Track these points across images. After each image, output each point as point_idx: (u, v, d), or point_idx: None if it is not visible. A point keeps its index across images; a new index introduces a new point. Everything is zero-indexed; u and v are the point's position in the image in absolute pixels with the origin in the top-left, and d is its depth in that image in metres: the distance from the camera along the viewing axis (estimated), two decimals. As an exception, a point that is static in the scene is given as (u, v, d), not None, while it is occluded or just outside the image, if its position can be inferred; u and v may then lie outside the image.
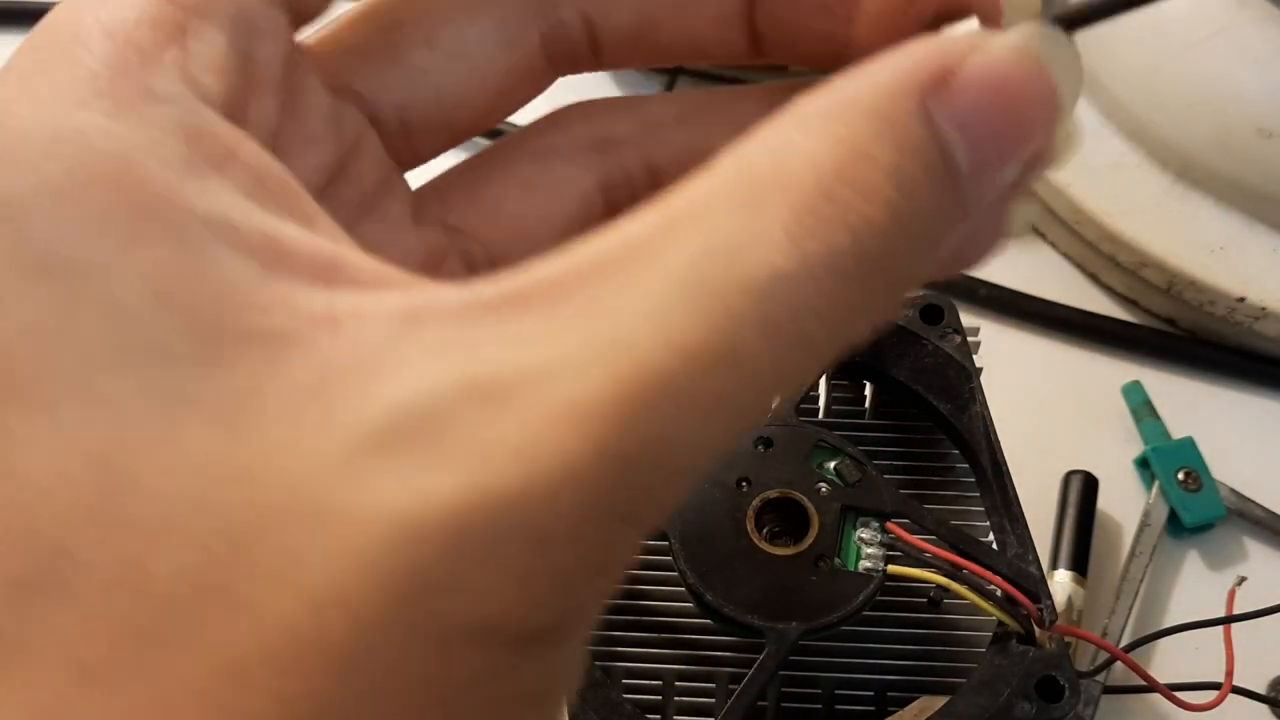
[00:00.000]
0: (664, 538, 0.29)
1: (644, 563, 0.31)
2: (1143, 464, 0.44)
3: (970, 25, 0.16)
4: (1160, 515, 0.42)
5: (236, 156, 0.15)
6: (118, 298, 0.13)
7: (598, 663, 0.29)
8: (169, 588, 0.12)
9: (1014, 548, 0.29)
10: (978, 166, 0.15)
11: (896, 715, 0.29)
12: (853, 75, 0.15)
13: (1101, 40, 0.50)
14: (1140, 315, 0.49)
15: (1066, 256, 0.51)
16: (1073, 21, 0.16)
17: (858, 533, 0.29)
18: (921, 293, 0.33)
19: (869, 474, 0.30)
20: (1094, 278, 0.50)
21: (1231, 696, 0.37)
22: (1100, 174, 0.49)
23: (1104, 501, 0.43)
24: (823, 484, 0.30)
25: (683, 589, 0.29)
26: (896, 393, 0.33)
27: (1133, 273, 0.48)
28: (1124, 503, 0.44)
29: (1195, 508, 0.42)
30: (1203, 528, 0.43)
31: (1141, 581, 0.41)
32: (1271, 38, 0.46)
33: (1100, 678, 0.38)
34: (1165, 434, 0.44)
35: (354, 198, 0.19)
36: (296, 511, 0.12)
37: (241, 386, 0.13)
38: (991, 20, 0.17)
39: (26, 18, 0.57)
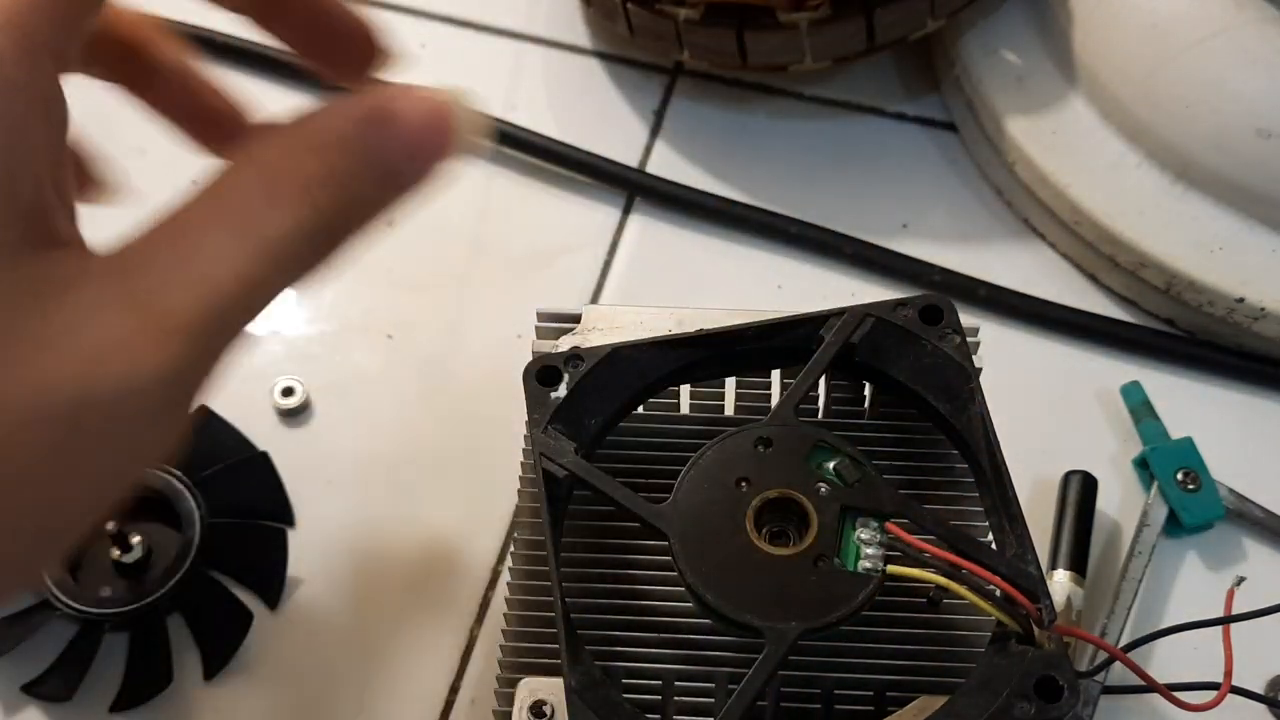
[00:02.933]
0: (664, 538, 0.29)
1: (644, 563, 0.31)
2: (1142, 464, 0.44)
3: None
4: (1159, 515, 0.42)
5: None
6: None
7: (597, 662, 0.29)
8: None
9: (1013, 548, 0.29)
10: (411, 168, 0.24)
11: (895, 715, 0.29)
12: (328, 112, 0.24)
13: (1102, 40, 0.50)
14: (1139, 315, 0.49)
15: (1066, 257, 0.51)
16: None
17: (857, 533, 0.29)
18: (921, 293, 0.33)
19: (868, 474, 0.30)
20: (1093, 278, 0.50)
21: (1230, 696, 0.37)
22: (1099, 174, 0.49)
23: (1103, 501, 0.43)
24: (822, 484, 0.29)
25: (682, 589, 0.29)
26: (896, 393, 0.33)
27: (1132, 273, 0.48)
28: (1123, 503, 0.44)
29: (1194, 508, 0.42)
30: (1201, 528, 0.43)
31: (1140, 581, 0.41)
32: (1271, 38, 0.46)
33: (1100, 678, 0.38)
34: (1164, 434, 0.44)
35: None
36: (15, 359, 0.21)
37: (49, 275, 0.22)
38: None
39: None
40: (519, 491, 0.34)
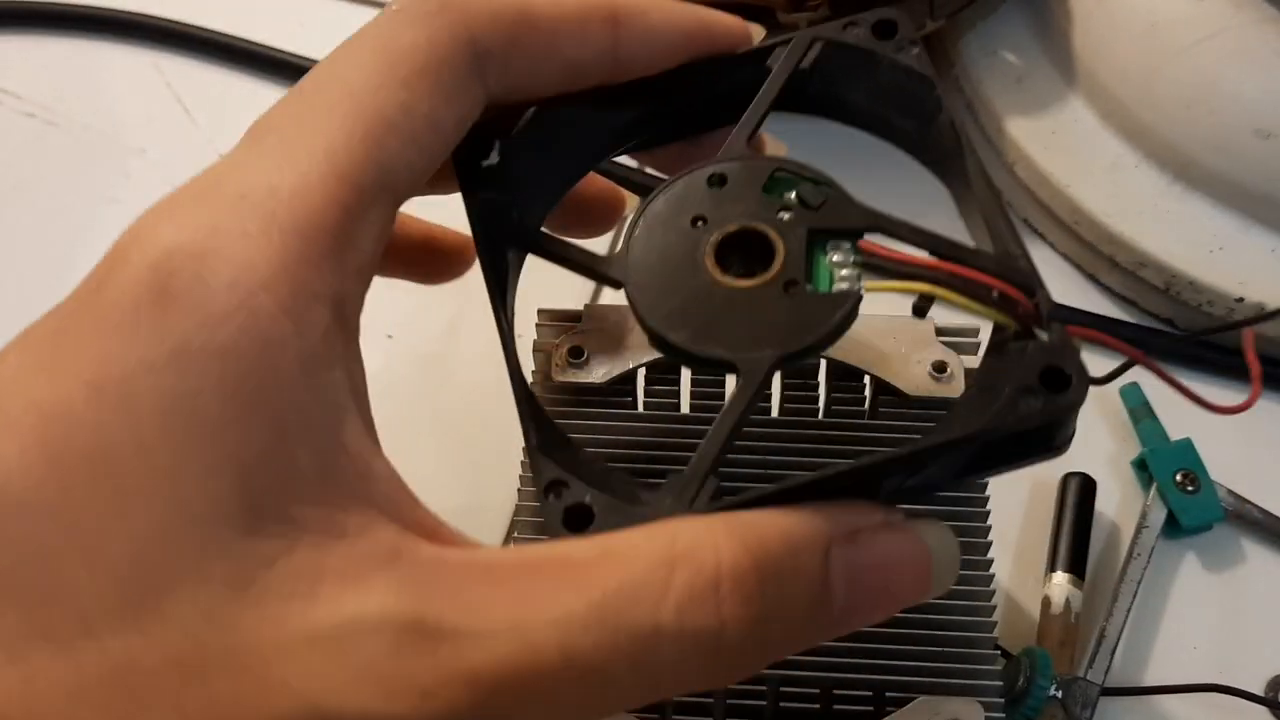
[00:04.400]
0: (618, 287, 0.26)
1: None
2: (1140, 465, 0.44)
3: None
4: (1158, 517, 0.42)
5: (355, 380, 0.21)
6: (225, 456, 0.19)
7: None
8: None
9: (1000, 245, 0.27)
10: (851, 608, 0.21)
11: (895, 715, 0.29)
12: (789, 508, 0.21)
13: (1101, 40, 0.50)
14: (1139, 315, 0.49)
15: (1065, 257, 0.51)
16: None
17: (829, 256, 0.26)
18: (870, 11, 0.29)
19: (834, 194, 0.27)
20: (1092, 278, 0.50)
21: (1230, 697, 0.38)
22: (1099, 174, 0.49)
23: (1101, 503, 0.43)
24: (785, 212, 0.26)
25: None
26: (857, 121, 0.30)
27: (1131, 273, 0.48)
28: (1121, 505, 0.44)
29: (1193, 509, 0.42)
30: (1200, 529, 0.43)
31: (1139, 583, 0.41)
32: (1270, 38, 0.46)
33: (1099, 681, 0.38)
34: (1163, 435, 0.44)
35: None
36: (240, 666, 0.18)
37: (264, 557, 0.18)
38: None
39: (24, 18, 0.57)
40: (519, 491, 0.34)
